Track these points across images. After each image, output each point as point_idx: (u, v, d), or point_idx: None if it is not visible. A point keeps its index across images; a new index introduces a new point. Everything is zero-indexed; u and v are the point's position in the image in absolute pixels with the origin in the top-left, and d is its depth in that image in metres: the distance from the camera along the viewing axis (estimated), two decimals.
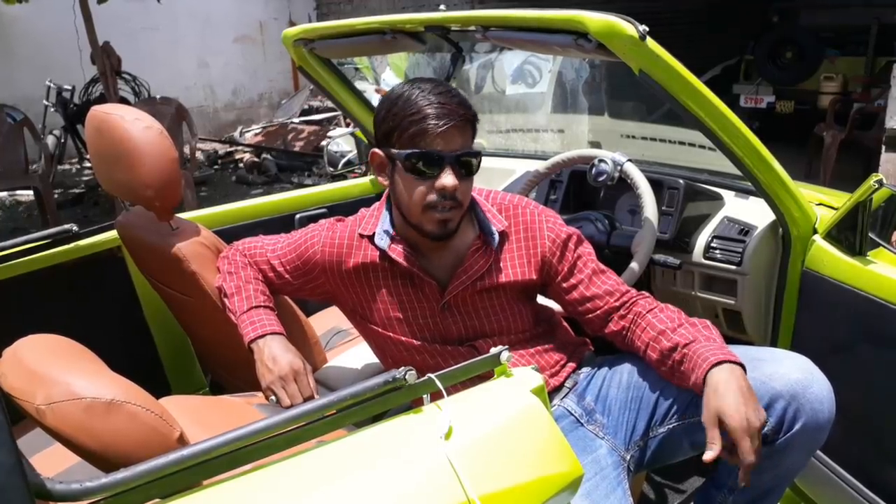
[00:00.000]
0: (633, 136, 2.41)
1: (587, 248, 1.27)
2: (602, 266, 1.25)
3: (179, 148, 4.42)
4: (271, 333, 1.21)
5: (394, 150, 1.13)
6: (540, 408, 0.88)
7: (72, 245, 1.54)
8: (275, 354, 1.18)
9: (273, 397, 1.17)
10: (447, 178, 1.09)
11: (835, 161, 4.84)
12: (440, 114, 1.08)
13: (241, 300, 1.25)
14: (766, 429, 1.06)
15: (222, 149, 7.16)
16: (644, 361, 1.19)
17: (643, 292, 1.24)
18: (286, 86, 8.86)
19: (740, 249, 1.53)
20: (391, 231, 1.21)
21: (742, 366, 1.05)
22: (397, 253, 1.20)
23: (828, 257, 1.34)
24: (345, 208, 1.75)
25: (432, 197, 1.11)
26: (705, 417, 1.02)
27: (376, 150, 1.18)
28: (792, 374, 1.07)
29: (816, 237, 1.38)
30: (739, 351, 1.16)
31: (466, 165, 1.13)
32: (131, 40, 6.63)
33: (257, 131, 7.41)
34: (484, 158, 2.16)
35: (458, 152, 1.10)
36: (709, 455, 0.99)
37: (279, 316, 1.28)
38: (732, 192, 1.68)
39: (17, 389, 0.81)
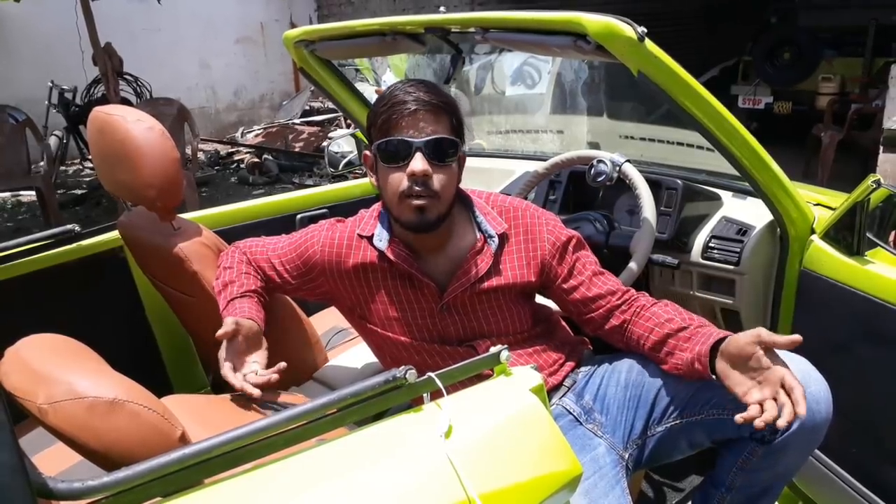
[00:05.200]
0: (632, 137, 2.41)
1: (586, 251, 1.27)
2: (601, 269, 1.26)
3: (181, 148, 4.42)
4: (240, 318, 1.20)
5: (372, 145, 1.15)
6: (539, 407, 0.88)
7: (74, 245, 1.55)
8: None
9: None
10: (416, 164, 1.09)
11: (832, 161, 4.85)
12: (406, 100, 1.10)
13: (228, 293, 1.26)
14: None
15: (224, 149, 7.17)
16: (642, 360, 1.20)
17: (642, 292, 1.25)
18: (287, 87, 8.88)
19: (738, 249, 1.54)
20: (389, 232, 1.22)
21: None
22: (395, 254, 1.20)
23: (825, 257, 1.35)
24: (345, 209, 1.76)
25: (405, 184, 1.11)
26: (768, 376, 0.99)
27: (366, 152, 1.20)
28: None
29: (814, 237, 1.38)
30: None
31: (439, 153, 1.11)
32: (133, 41, 6.65)
33: (259, 132, 7.42)
34: (484, 159, 2.19)
35: (427, 138, 1.10)
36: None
37: (280, 315, 1.29)
38: (730, 193, 1.68)
39: (20, 389, 0.82)
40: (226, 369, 1.16)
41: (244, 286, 1.27)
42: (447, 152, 1.12)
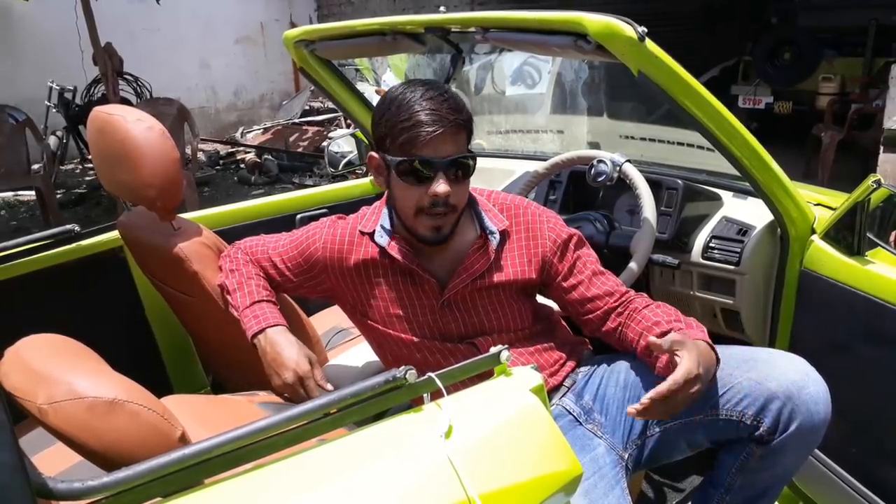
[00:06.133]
0: (632, 137, 2.41)
1: (587, 250, 1.27)
2: (602, 268, 1.26)
3: (181, 148, 4.43)
4: (273, 326, 1.22)
5: (388, 157, 1.14)
6: (539, 407, 0.88)
7: (74, 245, 1.55)
8: (278, 354, 1.19)
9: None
10: (439, 186, 1.10)
11: (833, 161, 4.85)
12: (430, 120, 1.08)
13: (244, 295, 1.26)
14: (761, 429, 1.07)
15: (224, 149, 7.17)
16: (641, 360, 1.20)
17: (640, 293, 1.25)
18: (287, 87, 8.88)
19: (739, 249, 1.54)
20: (391, 229, 1.22)
21: (717, 359, 1.08)
22: (397, 250, 1.20)
23: (826, 257, 1.35)
24: (345, 209, 1.76)
25: (425, 202, 1.12)
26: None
27: (373, 153, 1.19)
28: (788, 374, 1.08)
29: (815, 237, 1.38)
30: (736, 351, 1.17)
31: (460, 170, 1.12)
32: (133, 41, 6.66)
33: (259, 132, 7.42)
34: (484, 159, 2.18)
35: (450, 158, 1.10)
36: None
37: (281, 312, 1.29)
38: (731, 193, 1.68)
39: (20, 389, 0.82)
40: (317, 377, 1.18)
41: (261, 288, 1.28)
42: (466, 169, 1.14)
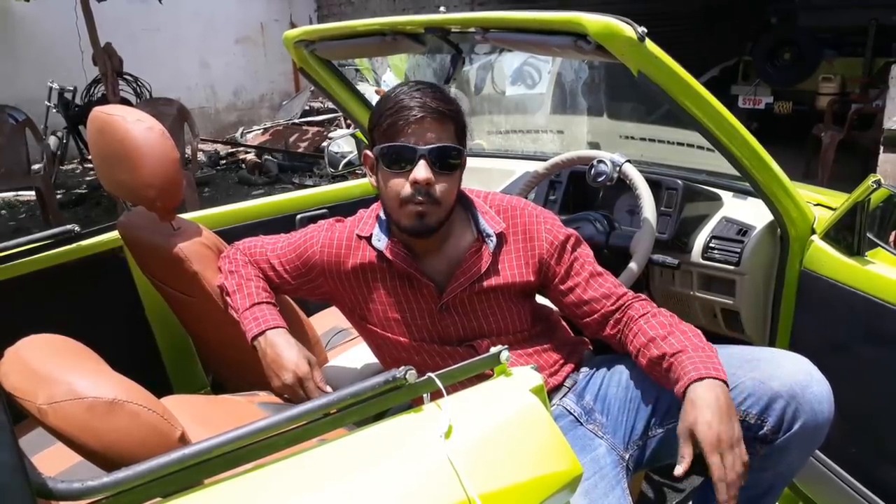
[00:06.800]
0: (632, 137, 2.41)
1: (585, 250, 1.27)
2: (600, 269, 1.25)
3: (181, 148, 4.43)
4: (273, 328, 1.22)
5: (375, 148, 1.15)
6: (539, 407, 0.88)
7: (74, 245, 1.55)
8: (278, 356, 1.19)
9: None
10: (420, 172, 1.09)
11: (833, 161, 4.85)
12: (414, 105, 1.09)
13: (243, 297, 1.26)
14: (765, 428, 1.07)
15: (224, 149, 7.17)
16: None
17: (640, 295, 1.24)
18: (287, 87, 8.88)
19: (739, 249, 1.54)
20: (388, 232, 1.22)
21: (725, 382, 1.04)
22: (394, 254, 1.20)
23: (826, 257, 1.35)
24: (345, 209, 1.76)
25: (407, 191, 1.11)
26: (679, 430, 1.02)
27: (367, 151, 1.20)
28: (791, 374, 1.07)
29: (815, 237, 1.38)
30: (739, 350, 1.17)
31: (443, 161, 1.11)
32: (133, 41, 6.66)
33: (259, 132, 7.42)
34: (484, 159, 2.18)
35: (432, 146, 1.10)
36: (678, 469, 0.99)
37: (280, 313, 1.29)
38: (731, 193, 1.68)
39: (19, 389, 0.82)
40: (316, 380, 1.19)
41: (260, 289, 1.28)
42: (451, 160, 1.12)
